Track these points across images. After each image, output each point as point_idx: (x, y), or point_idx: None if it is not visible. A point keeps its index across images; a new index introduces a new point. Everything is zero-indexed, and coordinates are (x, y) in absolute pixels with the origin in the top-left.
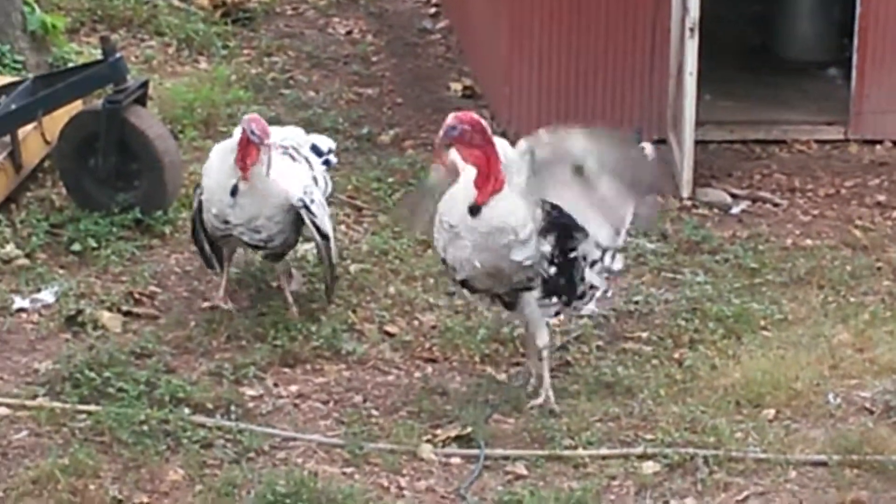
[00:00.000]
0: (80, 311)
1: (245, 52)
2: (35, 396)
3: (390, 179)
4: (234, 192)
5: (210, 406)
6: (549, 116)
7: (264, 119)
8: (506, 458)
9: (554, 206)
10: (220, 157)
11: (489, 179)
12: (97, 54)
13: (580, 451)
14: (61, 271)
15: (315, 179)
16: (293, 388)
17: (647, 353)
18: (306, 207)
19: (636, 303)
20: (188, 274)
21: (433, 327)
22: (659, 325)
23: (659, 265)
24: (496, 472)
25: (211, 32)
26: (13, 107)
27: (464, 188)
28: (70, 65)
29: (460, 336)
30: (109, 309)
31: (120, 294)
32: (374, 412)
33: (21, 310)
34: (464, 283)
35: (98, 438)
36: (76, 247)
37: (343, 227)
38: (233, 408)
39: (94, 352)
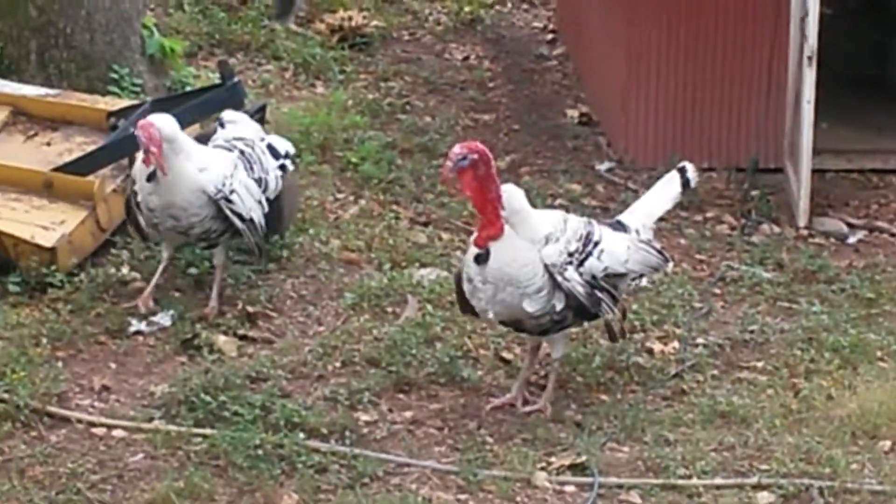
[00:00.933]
0: (195, 335)
1: (362, 76)
2: (151, 419)
3: None
4: (149, 178)
5: (325, 431)
6: (665, 145)
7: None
8: (620, 486)
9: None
10: None
11: (484, 222)
12: (215, 78)
13: (695, 481)
14: (178, 294)
15: (260, 182)
16: (408, 413)
17: (762, 382)
18: (225, 198)
19: (751, 332)
20: (303, 298)
21: (548, 354)
22: (774, 354)
23: (775, 294)
24: (610, 501)
25: (328, 57)
26: (132, 130)
27: None
28: (188, 88)
29: (576, 363)
30: (225, 333)
31: (235, 318)
32: (489, 439)
33: (138, 333)
34: (502, 324)
35: (213, 462)
36: (193, 270)
37: (458, 253)
38: (347, 433)
39: (209, 375)
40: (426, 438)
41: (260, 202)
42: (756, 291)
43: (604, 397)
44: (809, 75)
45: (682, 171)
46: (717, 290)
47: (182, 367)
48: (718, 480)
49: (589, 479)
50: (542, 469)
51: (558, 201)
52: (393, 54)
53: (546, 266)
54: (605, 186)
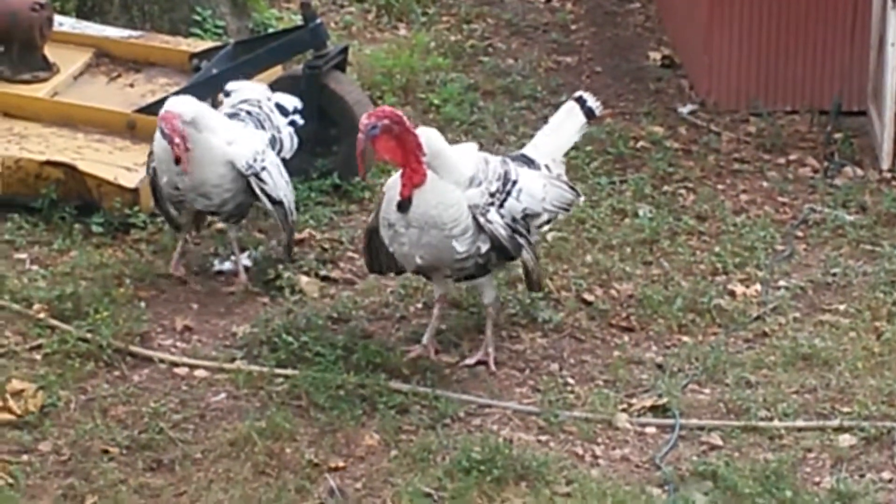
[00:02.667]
0: (278, 276)
1: (444, 19)
2: (233, 359)
3: (588, 148)
4: (177, 161)
5: (406, 372)
6: (748, 87)
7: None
8: (701, 428)
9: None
10: None
11: (408, 172)
12: (297, 20)
13: (776, 423)
14: (260, 236)
15: (274, 141)
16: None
17: (844, 325)
18: (255, 175)
19: (834, 275)
20: None
21: (630, 296)
22: (857, 297)
23: (857, 237)
24: (691, 443)
25: None
26: (214, 71)
27: (395, 185)
28: (270, 30)
29: (657, 305)
30: (307, 273)
31: (317, 259)
32: (570, 380)
33: (220, 273)
34: (417, 272)
35: (295, 402)
36: None
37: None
38: (429, 374)
39: (291, 316)
40: (507, 380)
41: (288, 183)
42: (839, 234)
43: (685, 339)
44: (893, 18)
45: (581, 100)
46: (800, 233)
47: (264, 307)
48: (800, 423)
49: (670, 421)
50: (623, 411)
51: (640, 144)
52: None
53: (470, 208)
54: (687, 129)
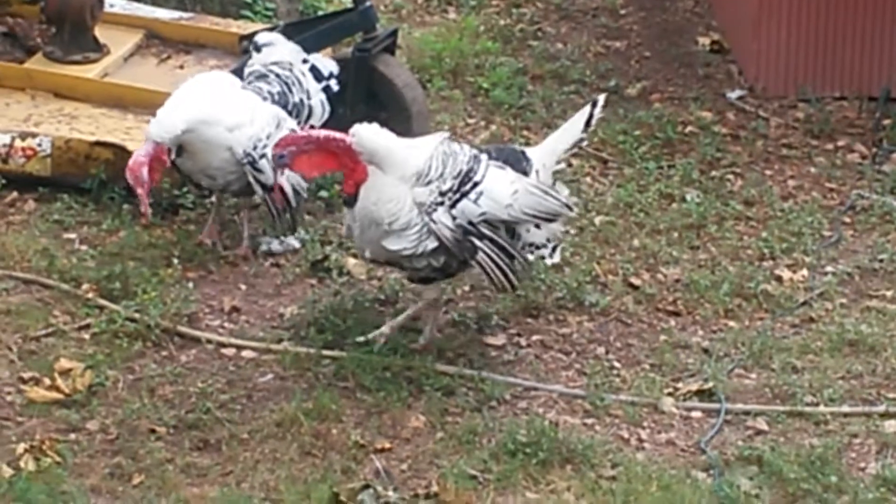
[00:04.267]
0: (325, 257)
1: (494, 2)
2: (280, 340)
3: (636, 132)
4: (178, 153)
5: (452, 354)
6: (797, 73)
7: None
8: (747, 413)
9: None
10: None
11: (346, 172)
12: (347, 2)
13: (822, 409)
14: (308, 217)
15: (300, 108)
16: (535, 338)
17: (891, 311)
18: (251, 164)
19: (881, 261)
20: None
21: (677, 280)
22: None
23: None
24: (737, 427)
25: None
26: None
27: None
28: (320, 13)
29: (704, 290)
30: (355, 255)
31: None
32: (616, 364)
33: (269, 253)
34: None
35: (341, 383)
36: (323, 193)
37: (588, 180)
38: (475, 356)
39: (338, 297)
40: (553, 363)
41: None
42: (886, 220)
43: (732, 324)
44: None
45: (595, 105)
46: (847, 219)
47: (312, 289)
48: (846, 408)
49: (716, 406)
50: (669, 395)
51: (689, 128)
52: None
53: (417, 205)
54: (735, 114)
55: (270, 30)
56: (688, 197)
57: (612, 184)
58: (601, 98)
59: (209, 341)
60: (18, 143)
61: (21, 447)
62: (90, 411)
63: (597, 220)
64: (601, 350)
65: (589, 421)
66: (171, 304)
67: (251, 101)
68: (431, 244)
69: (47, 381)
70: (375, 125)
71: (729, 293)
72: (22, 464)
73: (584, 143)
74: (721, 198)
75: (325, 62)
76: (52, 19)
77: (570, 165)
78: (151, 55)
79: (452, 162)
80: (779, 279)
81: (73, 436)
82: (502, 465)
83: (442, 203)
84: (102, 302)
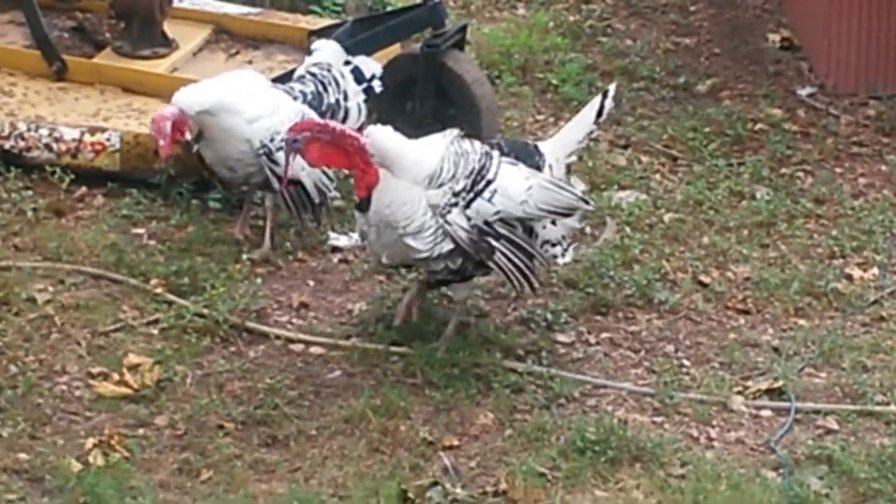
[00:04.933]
0: None
1: None
2: (349, 337)
3: (706, 129)
4: (196, 138)
5: (521, 351)
6: (868, 70)
7: None
8: (817, 412)
9: None
10: None
11: (358, 174)
12: None
13: (892, 408)
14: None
15: (335, 108)
16: (605, 335)
17: None
18: (267, 155)
19: None
20: None
21: (747, 279)
22: None
23: None
24: (807, 426)
25: None
26: None
27: None
28: (389, 8)
29: (774, 288)
30: None
31: None
32: (686, 362)
33: (336, 249)
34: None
35: (410, 380)
36: None
37: (658, 177)
38: (544, 354)
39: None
40: (623, 360)
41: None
42: None
43: (801, 322)
44: None
45: (604, 95)
46: None
47: (380, 285)
48: None
49: (785, 404)
50: (739, 393)
51: (759, 126)
52: None
53: (431, 207)
54: (806, 111)
55: (339, 25)
56: (758, 194)
57: (681, 181)
58: (612, 88)
59: (277, 337)
60: (88, 138)
61: (90, 442)
62: (158, 406)
63: (666, 218)
64: (670, 348)
65: (658, 419)
66: (239, 299)
67: (276, 97)
68: (447, 246)
69: (116, 377)
70: (389, 127)
71: (799, 291)
72: (91, 458)
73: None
74: (791, 195)
75: (369, 64)
76: (122, 14)
77: (639, 162)
78: (220, 50)
79: (464, 161)
80: (849, 277)
81: (141, 431)
82: (571, 462)
83: (456, 204)
84: (171, 297)
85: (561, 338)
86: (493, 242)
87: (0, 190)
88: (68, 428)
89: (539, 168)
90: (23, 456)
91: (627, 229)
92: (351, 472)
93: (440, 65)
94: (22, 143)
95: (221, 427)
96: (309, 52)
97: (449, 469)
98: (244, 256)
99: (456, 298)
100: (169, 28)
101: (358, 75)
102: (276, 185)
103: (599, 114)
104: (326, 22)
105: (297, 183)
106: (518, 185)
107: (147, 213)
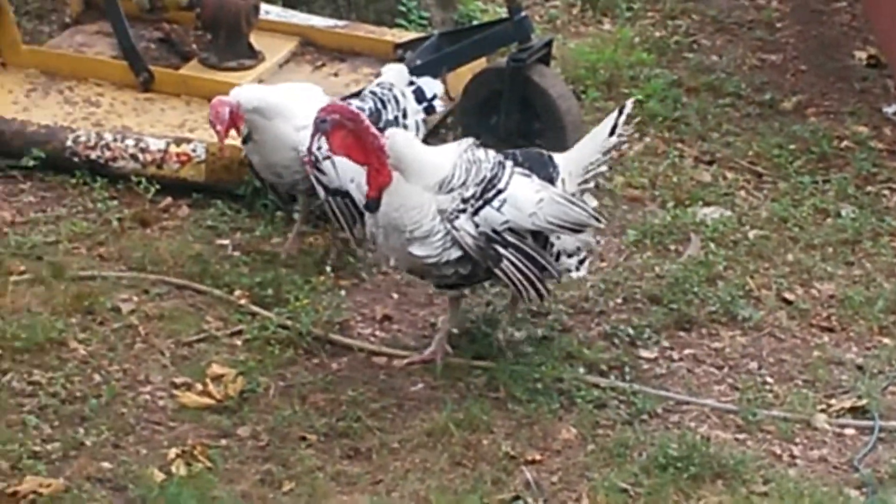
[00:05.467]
0: None
1: (649, 14)
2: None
3: (791, 146)
4: (245, 140)
5: (604, 367)
6: None
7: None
8: None
9: None
10: None
11: (372, 172)
12: (502, 13)
13: None
14: None
15: (394, 125)
16: (688, 351)
17: None
18: (313, 163)
19: None
20: None
21: (831, 296)
22: None
23: None
24: (890, 445)
25: None
26: (418, 62)
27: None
28: (475, 22)
29: (858, 306)
30: None
31: None
32: (769, 379)
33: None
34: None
35: (492, 394)
36: None
37: (742, 193)
38: (627, 369)
39: (490, 308)
40: (706, 377)
41: None
42: None
43: (886, 341)
44: None
45: (621, 111)
46: None
47: (463, 298)
48: None
49: (870, 423)
50: (822, 411)
51: (844, 143)
52: None
53: (440, 212)
54: (892, 129)
55: (424, 39)
56: (843, 212)
57: (766, 198)
58: (628, 104)
59: (360, 349)
60: (173, 148)
61: (172, 452)
62: (241, 417)
63: (751, 234)
64: (754, 365)
65: (741, 436)
66: (322, 311)
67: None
68: (455, 253)
69: (199, 387)
70: (410, 134)
71: (884, 310)
72: (173, 469)
73: (617, 151)
74: (877, 213)
75: (432, 84)
76: (208, 26)
77: (724, 178)
78: (306, 62)
79: (476, 169)
80: None
81: (224, 441)
82: (653, 478)
83: (464, 210)
84: (255, 308)
85: (644, 353)
86: (501, 250)
87: (86, 200)
88: (151, 438)
89: (552, 180)
90: (106, 465)
91: (712, 245)
92: (433, 485)
93: (526, 79)
94: (108, 154)
95: (304, 438)
96: (376, 76)
97: (531, 484)
98: (327, 268)
99: (451, 294)
100: (255, 40)
101: (419, 95)
102: (321, 193)
103: (613, 130)
104: (412, 35)
105: (345, 195)
106: (529, 196)
107: (232, 224)
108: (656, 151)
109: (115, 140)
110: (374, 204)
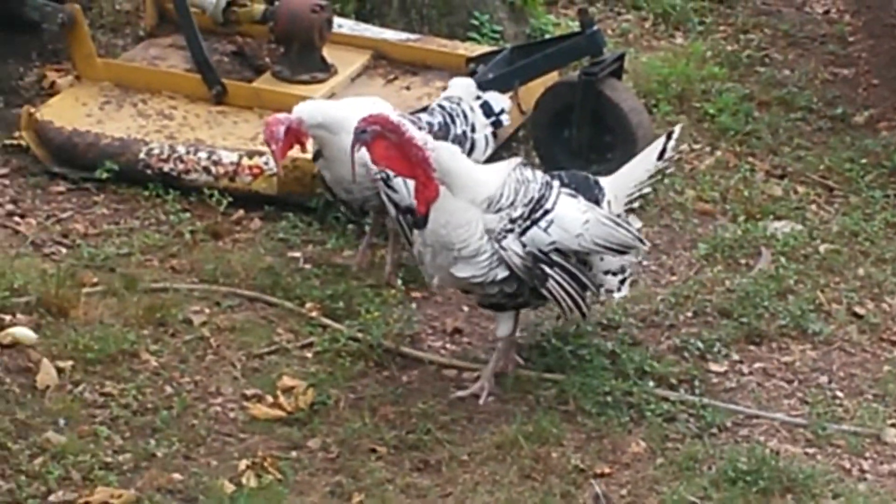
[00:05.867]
0: None
1: (721, 28)
2: None
3: (863, 161)
4: (315, 157)
5: (674, 380)
6: None
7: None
8: None
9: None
10: None
11: (419, 187)
12: (574, 26)
13: None
14: None
15: (462, 139)
16: (758, 365)
17: None
18: (383, 181)
19: None
20: (657, 247)
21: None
22: None
23: None
24: None
25: (688, 8)
26: (490, 76)
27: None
28: (547, 36)
29: None
30: None
31: None
32: (839, 393)
33: None
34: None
35: (562, 407)
36: None
37: (813, 207)
38: (697, 383)
39: (560, 321)
40: (775, 391)
41: None
42: None
43: None
44: None
45: (669, 136)
46: None
47: (534, 313)
48: None
49: None
50: (893, 425)
51: None
52: (753, 6)
53: (487, 232)
54: None
55: (497, 52)
56: None
57: (837, 212)
58: (677, 129)
59: (431, 362)
60: (246, 161)
61: (243, 463)
62: (312, 429)
63: (821, 249)
64: (824, 379)
65: (810, 450)
66: (393, 324)
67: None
68: (502, 273)
69: (270, 399)
70: (457, 148)
71: None
72: (244, 480)
73: (664, 174)
74: None
75: (499, 99)
76: (281, 39)
77: (796, 192)
78: (378, 76)
79: (524, 189)
80: None
81: (294, 453)
82: (722, 492)
83: (512, 230)
84: (326, 321)
85: (714, 367)
86: (547, 269)
87: (158, 212)
88: (222, 449)
89: (598, 202)
90: (177, 476)
91: (782, 259)
92: (502, 498)
93: (598, 93)
94: (181, 166)
95: (374, 451)
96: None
97: (600, 497)
98: (398, 281)
99: (498, 334)
100: (328, 53)
101: (487, 109)
102: (392, 211)
103: (661, 154)
104: (484, 49)
105: (412, 211)
106: (575, 217)
107: (303, 236)
108: (728, 165)
109: (187, 153)
110: (422, 220)
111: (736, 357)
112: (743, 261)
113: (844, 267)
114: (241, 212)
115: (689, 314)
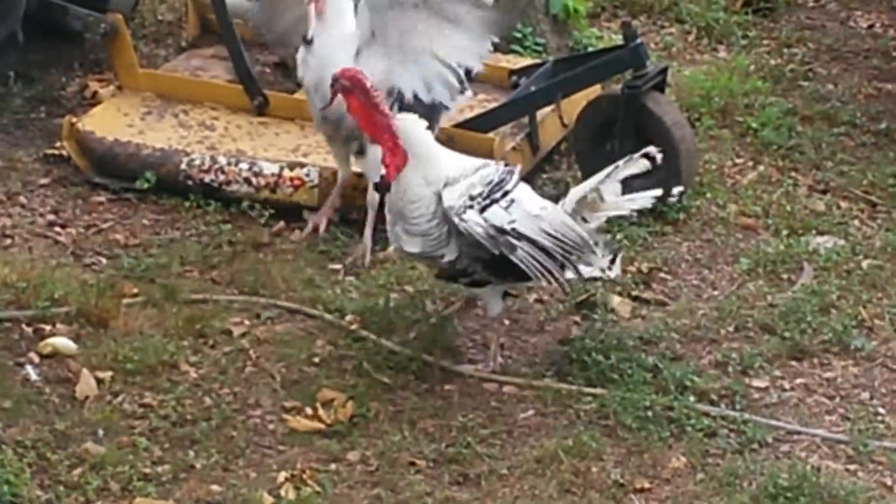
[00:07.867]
0: (591, 295)
1: (764, 42)
2: (542, 377)
3: None
4: (359, 152)
5: (715, 395)
6: None
7: None
8: None
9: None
10: None
11: (385, 150)
12: (617, 39)
13: None
14: None
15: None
16: (799, 381)
17: None
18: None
19: None
20: (698, 262)
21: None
22: None
23: None
24: None
25: (731, 22)
26: (532, 89)
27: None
28: (590, 49)
29: None
30: (620, 294)
31: (631, 279)
32: (881, 410)
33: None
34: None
35: (602, 422)
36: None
37: (856, 223)
38: (738, 398)
39: (602, 335)
40: (817, 407)
41: None
42: None
43: None
44: None
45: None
46: None
47: (575, 325)
48: None
49: None
50: None
51: None
52: (797, 21)
53: (444, 211)
54: None
55: (539, 65)
56: None
57: (880, 227)
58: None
59: (471, 376)
60: (287, 172)
61: (282, 476)
62: (351, 442)
63: (864, 264)
64: (866, 395)
65: (852, 467)
66: (433, 337)
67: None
68: (449, 255)
69: (309, 411)
70: (424, 123)
71: None
72: (282, 492)
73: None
74: None
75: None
76: None
77: (838, 207)
78: None
79: (483, 170)
80: None
81: (333, 466)
82: None
83: (472, 206)
84: (365, 333)
85: (755, 382)
86: (514, 241)
87: (199, 223)
88: (261, 461)
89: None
90: (215, 488)
91: (825, 275)
92: None
93: (640, 106)
94: (222, 177)
95: (413, 464)
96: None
97: None
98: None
99: (490, 314)
100: None
101: None
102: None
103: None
104: (527, 61)
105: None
106: (534, 202)
107: (344, 249)
108: (770, 180)
109: (228, 164)
110: (384, 186)
111: (777, 373)
112: (785, 276)
113: (887, 282)
114: (281, 223)
115: (731, 329)
